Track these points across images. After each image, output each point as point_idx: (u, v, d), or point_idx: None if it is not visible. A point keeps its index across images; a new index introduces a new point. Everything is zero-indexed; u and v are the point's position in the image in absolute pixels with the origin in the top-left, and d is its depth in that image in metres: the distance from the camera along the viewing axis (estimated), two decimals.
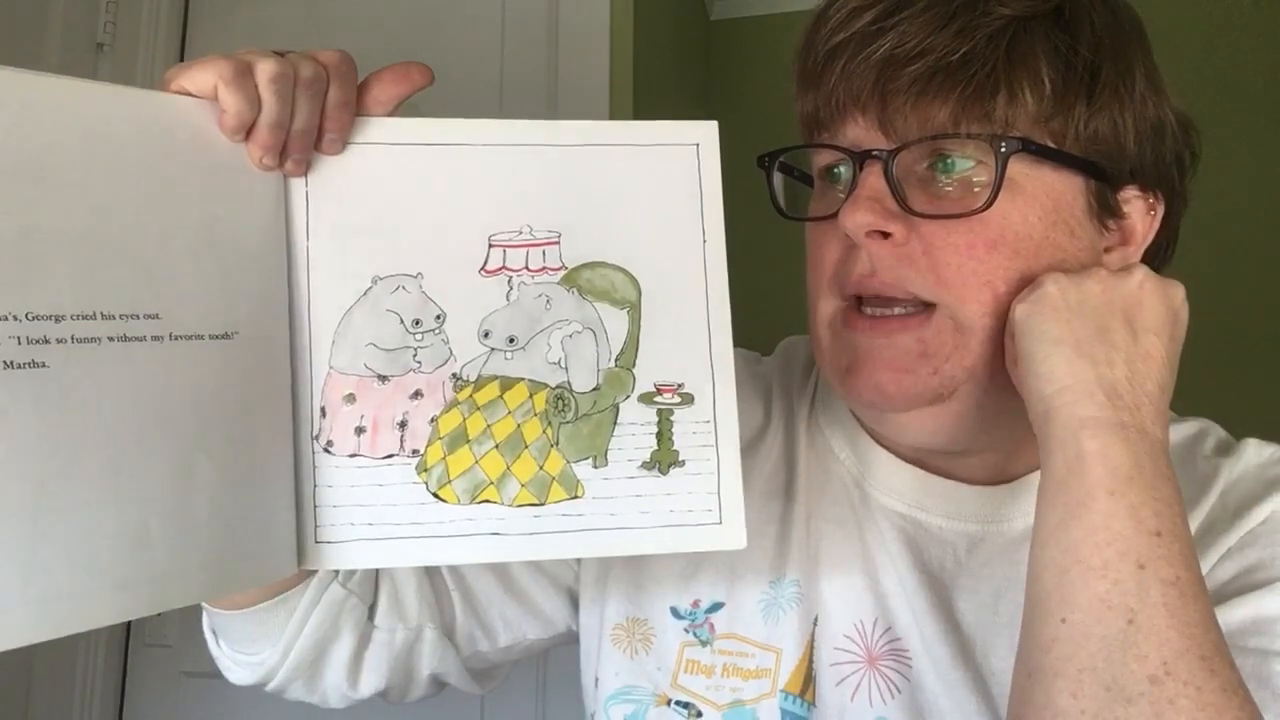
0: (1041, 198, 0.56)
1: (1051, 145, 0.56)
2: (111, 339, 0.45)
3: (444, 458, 0.54)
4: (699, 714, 0.63)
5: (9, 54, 1.45)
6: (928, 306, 0.57)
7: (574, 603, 0.72)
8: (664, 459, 0.55)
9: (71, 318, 0.43)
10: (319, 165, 0.54)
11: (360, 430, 0.53)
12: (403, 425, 0.54)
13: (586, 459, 0.54)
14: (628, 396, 0.55)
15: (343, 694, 0.67)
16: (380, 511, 0.53)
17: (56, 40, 1.54)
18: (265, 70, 0.49)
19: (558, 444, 0.54)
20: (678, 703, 0.64)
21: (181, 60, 1.73)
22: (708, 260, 0.56)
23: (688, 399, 0.55)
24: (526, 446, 0.54)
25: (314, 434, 0.53)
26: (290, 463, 0.53)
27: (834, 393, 0.69)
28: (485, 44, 1.63)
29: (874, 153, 0.56)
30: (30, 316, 0.42)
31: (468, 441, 0.54)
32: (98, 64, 1.63)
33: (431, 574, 0.69)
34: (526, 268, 0.55)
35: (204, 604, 0.63)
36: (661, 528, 0.54)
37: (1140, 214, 0.60)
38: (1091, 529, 0.47)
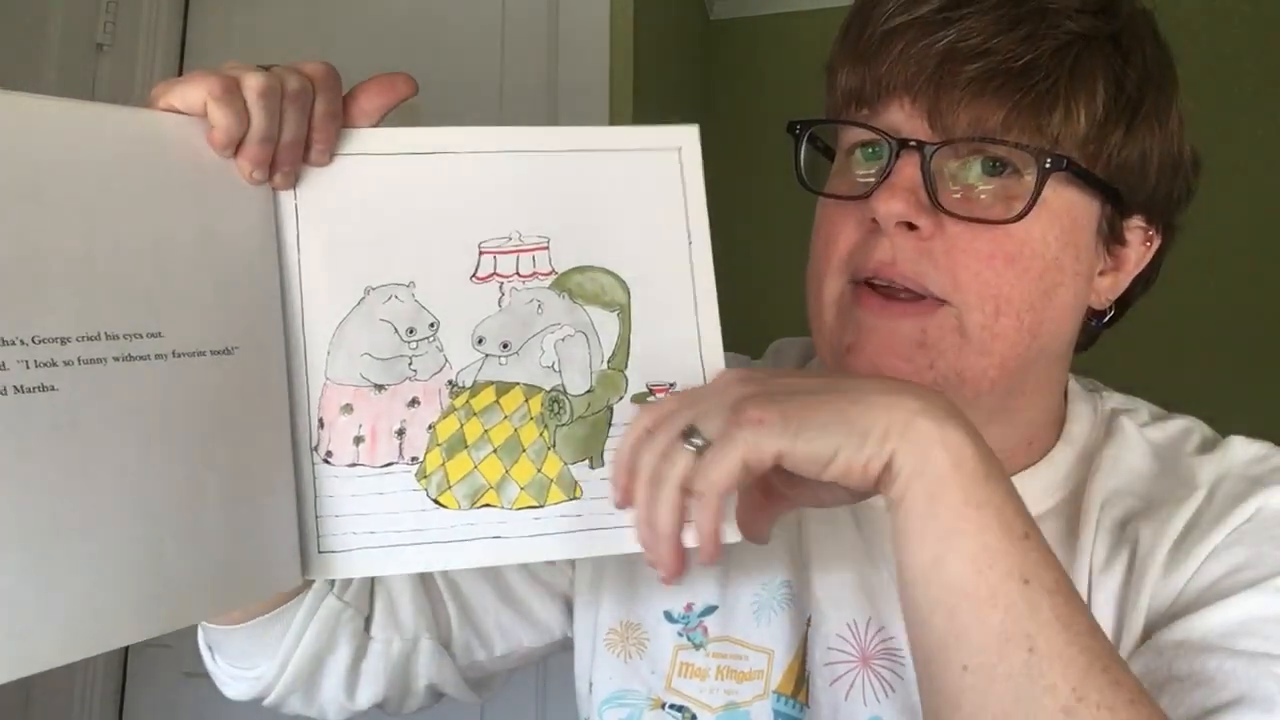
0: (1063, 216, 0.56)
1: (1086, 168, 0.55)
2: (117, 359, 0.45)
3: (443, 464, 0.54)
4: (693, 717, 0.64)
5: (9, 54, 1.45)
6: (938, 301, 0.56)
7: (569, 609, 0.72)
8: None
9: (77, 339, 0.43)
10: (308, 178, 0.54)
11: (359, 440, 0.54)
12: (401, 433, 0.54)
13: (583, 460, 0.55)
14: (621, 398, 0.55)
15: (340, 706, 0.68)
16: (382, 519, 0.54)
17: (56, 40, 1.54)
18: (253, 85, 0.49)
19: (554, 446, 0.55)
20: (672, 706, 0.64)
21: (181, 61, 1.73)
22: (694, 261, 0.56)
23: None
24: (524, 450, 0.55)
25: (313, 445, 0.54)
26: (291, 474, 0.53)
27: None
28: (485, 45, 1.62)
29: (916, 143, 0.55)
30: (37, 340, 0.42)
31: (466, 447, 0.54)
32: (98, 64, 1.63)
33: (427, 584, 0.70)
34: (517, 273, 0.55)
35: None
36: None
37: (1137, 244, 0.61)
38: (970, 555, 0.44)
